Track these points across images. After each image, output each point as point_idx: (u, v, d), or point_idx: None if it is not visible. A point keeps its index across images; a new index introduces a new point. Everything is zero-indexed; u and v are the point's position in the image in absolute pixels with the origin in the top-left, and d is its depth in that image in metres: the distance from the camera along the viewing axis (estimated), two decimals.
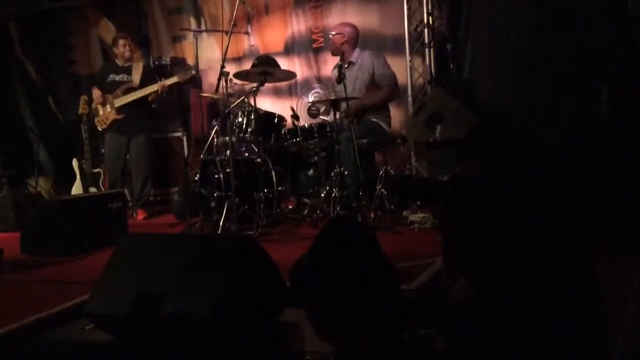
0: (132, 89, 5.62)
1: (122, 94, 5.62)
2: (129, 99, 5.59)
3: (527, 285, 1.24)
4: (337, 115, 4.62)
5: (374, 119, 4.98)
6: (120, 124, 5.67)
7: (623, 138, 3.60)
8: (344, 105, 4.58)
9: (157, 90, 5.52)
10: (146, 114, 5.81)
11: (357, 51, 5.10)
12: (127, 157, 5.79)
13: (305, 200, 4.97)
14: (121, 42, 5.78)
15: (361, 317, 1.27)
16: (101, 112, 5.69)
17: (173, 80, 5.52)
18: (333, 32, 5.15)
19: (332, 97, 4.84)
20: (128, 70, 5.73)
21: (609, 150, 3.62)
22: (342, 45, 5.02)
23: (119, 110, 5.62)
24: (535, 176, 1.34)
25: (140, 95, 5.58)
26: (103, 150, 5.97)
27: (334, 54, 5.21)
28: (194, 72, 5.67)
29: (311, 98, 5.30)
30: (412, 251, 3.44)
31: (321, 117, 5.06)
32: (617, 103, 3.58)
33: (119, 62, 5.81)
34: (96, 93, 5.70)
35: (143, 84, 5.63)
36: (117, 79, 5.72)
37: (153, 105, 5.85)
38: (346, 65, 4.88)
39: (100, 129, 5.75)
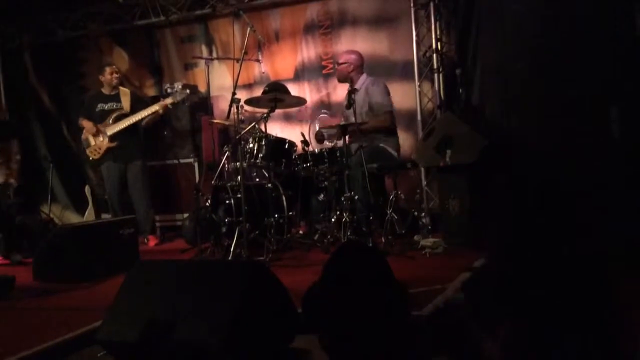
0: (124, 116, 5.62)
1: (113, 121, 5.62)
2: (124, 125, 5.59)
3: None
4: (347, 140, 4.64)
5: (382, 144, 5.00)
6: (115, 151, 5.63)
7: (636, 159, 3.58)
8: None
9: (158, 111, 5.51)
10: (140, 139, 5.80)
11: (362, 77, 5.16)
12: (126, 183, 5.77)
13: (318, 226, 4.97)
14: (108, 69, 5.79)
15: (373, 343, 1.26)
16: (93, 142, 5.67)
17: (169, 101, 5.51)
18: (339, 62, 5.22)
19: (342, 122, 4.87)
20: (116, 98, 5.72)
21: (623, 171, 3.60)
22: (349, 73, 5.09)
23: (112, 138, 5.61)
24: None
25: (136, 120, 5.57)
26: None
27: (340, 82, 5.28)
28: (188, 91, 5.64)
29: (317, 124, 5.35)
30: (424, 276, 3.41)
31: (327, 142, 5.08)
32: (628, 125, 3.56)
33: (105, 90, 5.79)
34: (87, 124, 5.68)
35: (134, 109, 5.64)
36: (106, 107, 5.71)
37: (165, 132, 5.88)
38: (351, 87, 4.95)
39: (92, 159, 5.72)
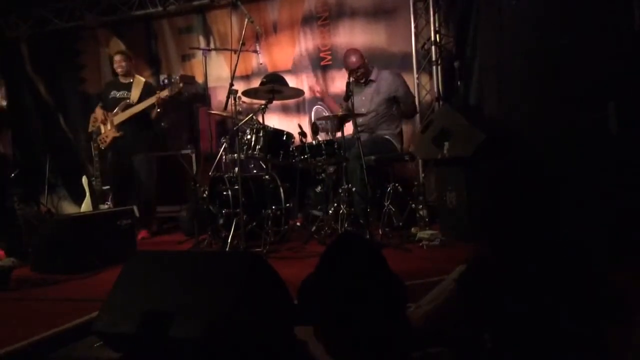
0: (130, 106, 5.56)
1: (122, 111, 5.57)
2: (127, 116, 5.53)
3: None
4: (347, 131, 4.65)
5: (386, 136, 5.01)
6: (120, 141, 5.60)
7: (634, 155, 3.58)
8: (357, 121, 4.60)
9: (154, 104, 5.39)
10: (147, 131, 5.72)
11: (375, 70, 5.17)
12: (131, 174, 5.73)
13: (315, 212, 4.97)
14: (115, 57, 5.79)
15: (370, 335, 1.26)
16: (103, 131, 5.67)
17: (165, 93, 5.36)
18: (357, 68, 5.09)
19: (341, 113, 4.86)
20: (128, 87, 5.68)
21: (620, 168, 3.59)
22: (369, 70, 5.15)
23: (119, 127, 5.58)
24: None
25: (137, 110, 5.49)
26: None
27: (364, 81, 5.21)
28: (181, 85, 5.45)
29: (313, 115, 5.33)
30: (421, 269, 3.42)
31: (321, 134, 5.07)
32: (625, 121, 3.56)
33: (121, 78, 5.76)
34: (98, 111, 5.69)
35: (142, 100, 5.54)
36: (117, 95, 5.68)
37: (163, 124, 5.85)
38: (362, 80, 5.07)
39: (102, 148, 5.69)
